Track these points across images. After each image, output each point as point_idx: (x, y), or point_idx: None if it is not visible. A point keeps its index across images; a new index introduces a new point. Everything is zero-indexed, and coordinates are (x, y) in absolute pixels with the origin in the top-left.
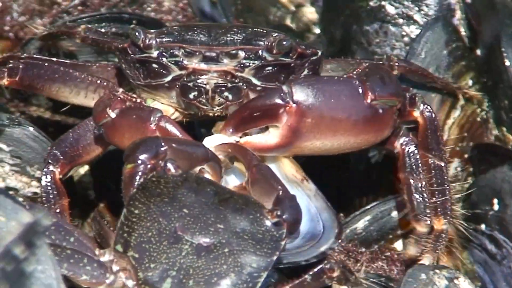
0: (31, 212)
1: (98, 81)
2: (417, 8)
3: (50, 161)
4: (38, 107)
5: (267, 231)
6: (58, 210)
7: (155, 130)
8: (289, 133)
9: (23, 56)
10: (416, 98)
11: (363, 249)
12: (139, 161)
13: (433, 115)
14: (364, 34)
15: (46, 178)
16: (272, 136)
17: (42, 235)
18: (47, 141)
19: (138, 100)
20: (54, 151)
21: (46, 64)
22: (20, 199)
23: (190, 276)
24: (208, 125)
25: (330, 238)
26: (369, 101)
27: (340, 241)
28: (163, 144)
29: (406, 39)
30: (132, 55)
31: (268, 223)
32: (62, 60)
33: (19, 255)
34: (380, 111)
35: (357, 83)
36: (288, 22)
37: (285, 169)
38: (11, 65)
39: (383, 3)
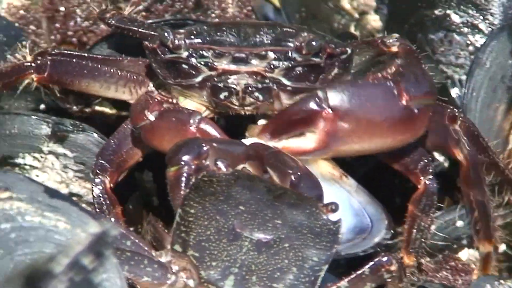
0: (98, 221)
1: (128, 75)
2: (482, 17)
3: (98, 171)
4: (102, 112)
5: (324, 225)
6: (112, 219)
7: (195, 132)
8: (326, 137)
9: (52, 52)
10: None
11: (428, 259)
12: (183, 163)
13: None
14: (428, 42)
15: (98, 189)
16: (309, 141)
17: (111, 245)
18: None
19: (175, 101)
20: (100, 161)
21: (75, 59)
22: (84, 205)
23: (253, 272)
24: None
25: (381, 230)
26: (404, 102)
27: (392, 231)
28: (204, 144)
29: (471, 48)
30: (161, 55)
31: (324, 216)
32: (92, 55)
33: (87, 266)
34: (416, 111)
35: (391, 85)
36: (352, 29)
37: (321, 168)
38: (38, 61)
39: (448, 11)
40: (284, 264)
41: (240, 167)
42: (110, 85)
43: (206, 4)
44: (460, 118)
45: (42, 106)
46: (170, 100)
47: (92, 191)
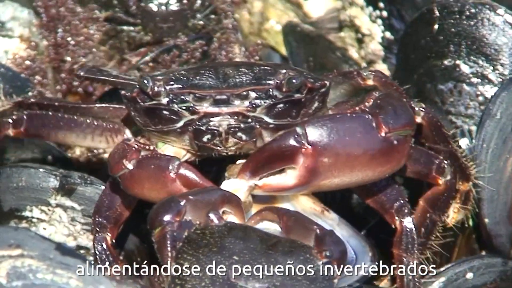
0: (110, 279)
1: (104, 124)
2: (492, 68)
3: (98, 229)
4: None
5: (319, 271)
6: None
7: (174, 178)
8: (306, 173)
9: (28, 102)
10: (445, 166)
11: None
12: (165, 222)
13: (455, 184)
14: (438, 93)
15: (99, 246)
16: (289, 177)
17: None
18: None
19: (152, 147)
20: (98, 219)
21: (50, 113)
22: (90, 258)
23: None
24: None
25: (365, 262)
26: (383, 134)
27: (377, 263)
28: (180, 200)
29: (480, 98)
30: (141, 103)
31: (318, 262)
32: (64, 103)
33: None
34: (395, 142)
35: (370, 117)
36: None
37: (302, 204)
38: (15, 117)
39: (457, 62)
40: None
41: (220, 211)
42: (87, 135)
43: (214, 54)
44: (422, 110)
45: (49, 157)
46: (148, 147)
47: (94, 248)
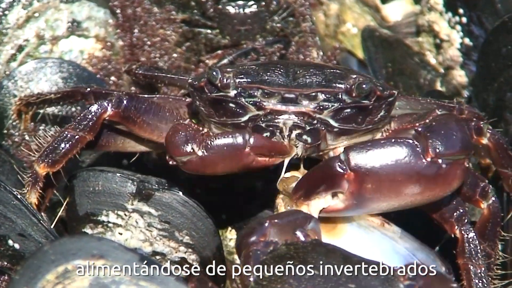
0: None
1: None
2: None
3: (111, 102)
4: None
5: None
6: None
7: (249, 152)
8: (352, 198)
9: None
10: (489, 191)
11: None
12: (250, 243)
13: (499, 210)
14: None
15: (95, 111)
16: (339, 201)
17: None
18: (196, 207)
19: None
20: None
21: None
22: (167, 264)
23: None
24: None
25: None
26: (429, 159)
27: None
28: (264, 222)
29: None
30: (208, 94)
31: (401, 285)
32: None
33: None
34: (444, 166)
35: (415, 142)
36: (438, 85)
37: (359, 217)
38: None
39: None
40: None
41: (306, 229)
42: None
43: (291, 58)
44: (489, 131)
45: (124, 161)
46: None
47: (90, 109)
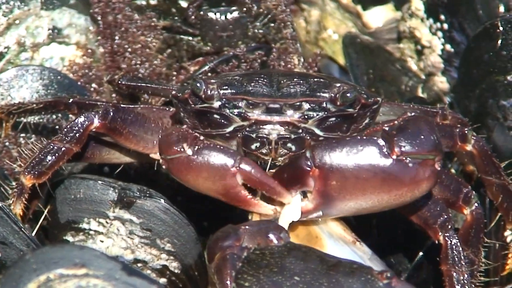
0: None
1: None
2: None
3: (100, 112)
4: (167, 177)
5: None
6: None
7: (235, 172)
8: (319, 197)
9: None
10: (472, 197)
11: None
12: (225, 247)
13: (482, 216)
14: (500, 108)
15: (82, 123)
16: (308, 201)
17: None
18: (178, 214)
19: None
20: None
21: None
22: (148, 272)
23: None
24: None
25: None
26: (394, 157)
27: None
28: (238, 228)
29: None
30: (192, 105)
31: (380, 284)
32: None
33: None
34: (411, 165)
35: (381, 141)
36: (419, 92)
37: (331, 228)
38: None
39: None
40: None
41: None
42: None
43: (272, 65)
44: (473, 138)
45: (105, 168)
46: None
47: (76, 121)
